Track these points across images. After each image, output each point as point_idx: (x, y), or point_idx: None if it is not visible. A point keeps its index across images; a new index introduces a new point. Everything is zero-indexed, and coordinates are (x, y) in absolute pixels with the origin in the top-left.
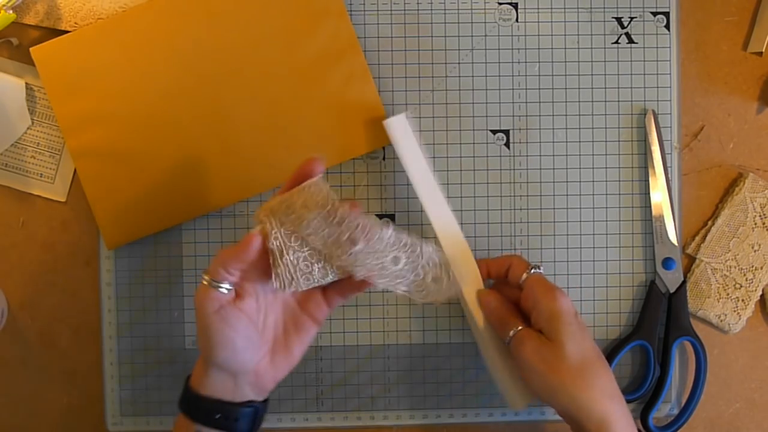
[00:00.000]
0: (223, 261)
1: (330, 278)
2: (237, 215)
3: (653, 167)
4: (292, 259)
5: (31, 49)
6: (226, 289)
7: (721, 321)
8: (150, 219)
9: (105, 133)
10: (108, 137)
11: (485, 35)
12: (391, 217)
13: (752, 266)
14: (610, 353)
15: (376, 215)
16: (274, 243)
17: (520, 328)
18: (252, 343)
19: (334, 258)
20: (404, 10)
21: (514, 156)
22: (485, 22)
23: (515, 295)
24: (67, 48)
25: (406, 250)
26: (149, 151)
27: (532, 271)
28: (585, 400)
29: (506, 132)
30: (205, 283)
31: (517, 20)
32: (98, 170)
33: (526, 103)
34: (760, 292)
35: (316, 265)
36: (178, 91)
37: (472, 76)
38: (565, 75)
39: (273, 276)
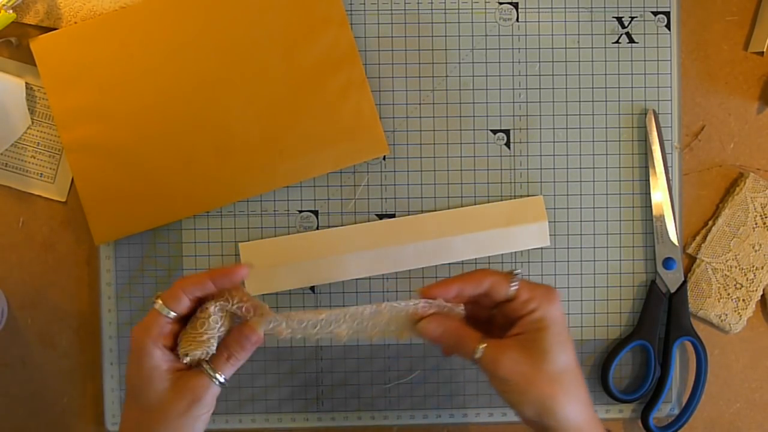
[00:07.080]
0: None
1: None
2: (237, 215)
3: (654, 167)
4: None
5: (30, 40)
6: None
7: (722, 321)
8: (140, 216)
9: (100, 128)
10: (103, 132)
11: (485, 35)
12: (391, 217)
13: (753, 266)
14: (611, 353)
15: (376, 215)
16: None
17: (485, 345)
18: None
19: None
20: (404, 9)
21: (514, 156)
22: (485, 22)
23: (483, 314)
24: (67, 41)
25: None
26: (143, 149)
27: (517, 277)
28: (564, 412)
29: (506, 132)
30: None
31: (517, 20)
32: (91, 165)
33: (527, 102)
34: (761, 292)
35: None
36: (175, 90)
37: (472, 76)
38: (566, 75)
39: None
